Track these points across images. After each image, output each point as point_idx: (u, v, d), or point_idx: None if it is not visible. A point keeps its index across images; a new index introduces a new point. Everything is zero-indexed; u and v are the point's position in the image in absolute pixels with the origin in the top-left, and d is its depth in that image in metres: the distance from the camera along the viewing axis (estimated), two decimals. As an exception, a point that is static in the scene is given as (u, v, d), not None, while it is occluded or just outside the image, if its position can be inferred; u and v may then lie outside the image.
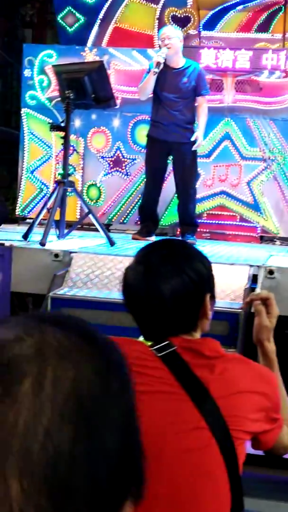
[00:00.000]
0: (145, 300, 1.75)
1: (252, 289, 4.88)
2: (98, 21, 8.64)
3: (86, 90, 5.92)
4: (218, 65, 8.03)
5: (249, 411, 1.70)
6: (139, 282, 1.77)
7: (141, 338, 2.13)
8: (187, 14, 8.51)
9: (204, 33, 8.44)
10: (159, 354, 1.71)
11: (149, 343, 1.77)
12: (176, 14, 8.52)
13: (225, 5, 8.31)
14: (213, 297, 1.84)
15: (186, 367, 1.69)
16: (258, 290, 2.03)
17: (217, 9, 8.36)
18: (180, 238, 6.57)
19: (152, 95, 6.75)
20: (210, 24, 8.44)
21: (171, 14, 8.53)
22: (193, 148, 6.61)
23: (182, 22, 8.49)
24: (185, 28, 8.45)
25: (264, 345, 2.02)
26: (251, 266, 5.14)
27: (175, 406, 1.66)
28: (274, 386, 1.78)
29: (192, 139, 6.58)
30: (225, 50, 8.02)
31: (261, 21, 8.33)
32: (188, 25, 8.50)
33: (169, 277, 1.74)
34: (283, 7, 8.23)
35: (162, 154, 6.80)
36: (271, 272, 4.86)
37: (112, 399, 0.69)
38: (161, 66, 6.46)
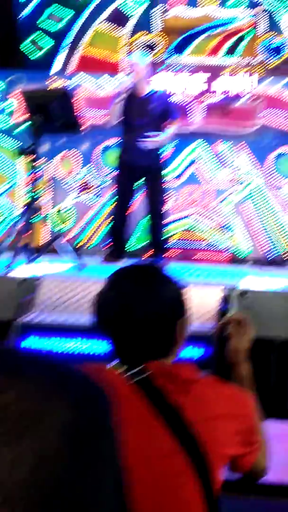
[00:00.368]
0: (118, 325, 1.72)
1: (224, 311, 4.87)
2: (66, 47, 8.65)
3: (54, 115, 5.91)
4: (186, 90, 8.08)
5: (226, 435, 1.67)
6: (111, 307, 1.73)
7: (113, 364, 2.08)
8: (154, 40, 8.56)
9: (172, 58, 8.49)
10: (134, 380, 1.67)
11: (123, 369, 1.73)
12: (144, 40, 8.57)
13: (193, 30, 8.36)
14: (186, 321, 1.80)
15: (160, 392, 1.66)
16: (231, 312, 2.01)
17: (185, 35, 8.41)
18: (151, 260, 6.55)
19: (120, 119, 6.77)
20: (178, 50, 8.50)
21: (139, 40, 8.57)
22: (148, 140, 6.56)
23: (149, 48, 8.53)
24: (153, 54, 8.49)
25: (239, 367, 1.99)
26: (223, 287, 5.13)
27: (150, 432, 1.62)
28: (251, 409, 1.75)
29: (155, 138, 6.53)
30: (194, 75, 8.08)
31: (229, 46, 8.40)
32: (156, 51, 8.54)
33: (142, 302, 1.71)
34: (251, 32, 8.32)
35: (131, 178, 6.80)
36: (243, 293, 4.85)
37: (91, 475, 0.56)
38: (126, 93, 6.48)
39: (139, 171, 6.72)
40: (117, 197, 6.96)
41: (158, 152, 6.75)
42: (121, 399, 1.61)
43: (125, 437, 1.59)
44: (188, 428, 1.62)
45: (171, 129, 6.67)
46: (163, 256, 6.84)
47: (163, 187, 6.87)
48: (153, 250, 6.94)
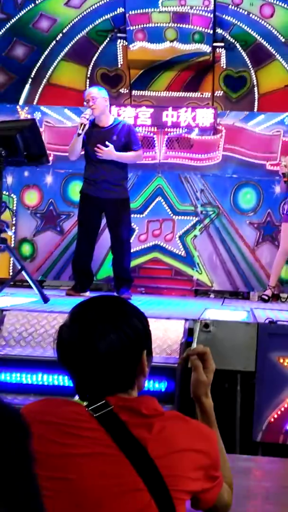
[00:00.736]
0: (80, 358, 1.71)
1: (188, 343, 4.88)
2: (30, 80, 8.70)
3: (18, 148, 5.90)
4: (149, 123, 8.16)
5: (189, 470, 1.66)
6: (74, 339, 1.73)
7: (76, 398, 2.08)
8: (118, 73, 8.65)
9: (135, 91, 8.58)
10: (95, 415, 1.67)
11: (85, 403, 1.73)
12: (107, 73, 8.66)
13: (154, 64, 8.47)
14: (150, 353, 1.81)
15: (123, 427, 1.65)
16: (194, 344, 2.01)
17: (147, 69, 8.52)
18: (115, 293, 6.55)
19: (83, 152, 6.79)
20: (141, 83, 8.59)
21: (102, 73, 8.66)
22: (98, 150, 6.58)
23: (113, 81, 8.62)
24: (116, 87, 8.58)
25: (202, 401, 1.99)
26: (186, 320, 5.14)
27: (112, 468, 1.61)
28: (214, 443, 1.75)
29: (105, 149, 6.56)
30: (156, 108, 8.18)
31: (189, 80, 8.52)
32: (119, 84, 8.63)
33: (105, 334, 1.70)
34: (211, 67, 8.45)
35: (94, 211, 6.81)
36: (206, 325, 4.87)
37: None
38: (87, 127, 6.51)
39: (103, 203, 6.74)
40: (80, 230, 6.96)
41: (121, 184, 6.79)
42: (84, 433, 1.62)
43: (89, 472, 1.60)
44: (151, 463, 1.61)
45: (129, 152, 6.71)
46: (127, 288, 6.84)
47: (127, 219, 6.88)
48: (117, 282, 6.94)
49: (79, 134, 6.52)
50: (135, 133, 6.88)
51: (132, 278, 7.08)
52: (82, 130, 6.49)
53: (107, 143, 6.57)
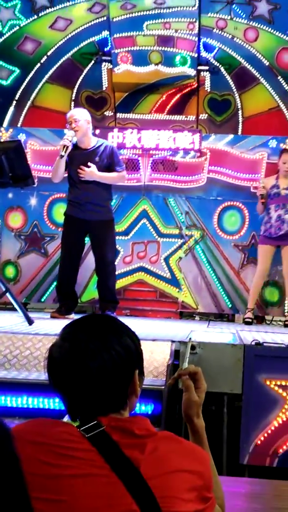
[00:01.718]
0: (72, 377, 1.69)
1: (175, 365, 4.85)
2: (14, 102, 8.70)
3: (3, 169, 5.89)
4: (133, 146, 8.19)
5: (182, 491, 1.64)
6: (65, 359, 1.70)
7: (65, 419, 2.05)
8: (102, 96, 8.68)
9: (120, 114, 8.61)
10: (87, 435, 1.64)
11: (76, 424, 1.70)
12: (92, 95, 8.68)
13: (139, 87, 8.51)
14: (142, 373, 1.79)
15: (115, 447, 1.63)
16: (185, 364, 1.99)
17: (131, 92, 8.55)
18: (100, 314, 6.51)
19: (67, 174, 6.79)
20: (126, 106, 8.63)
21: (87, 95, 8.68)
22: (81, 170, 6.57)
23: (97, 103, 8.65)
24: (101, 110, 8.61)
25: (194, 421, 1.96)
26: (172, 341, 5.12)
27: (105, 489, 1.58)
28: (206, 464, 1.73)
29: (87, 169, 6.55)
30: (141, 131, 8.20)
31: (174, 104, 8.56)
32: (104, 107, 8.66)
33: (96, 354, 1.68)
34: (196, 91, 8.50)
35: (78, 232, 6.80)
36: (192, 347, 4.84)
37: None
38: (69, 149, 6.53)
39: (87, 224, 6.73)
40: (64, 252, 6.93)
41: (105, 206, 6.78)
42: (76, 454, 1.59)
43: (81, 493, 1.56)
44: (144, 484, 1.59)
45: (113, 173, 6.71)
46: (113, 310, 6.81)
47: (111, 240, 6.87)
48: (102, 304, 6.91)
49: (61, 156, 6.53)
50: (118, 155, 6.89)
51: (118, 300, 7.05)
52: (65, 152, 6.51)
53: (89, 164, 6.58)
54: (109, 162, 6.71)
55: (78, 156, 6.67)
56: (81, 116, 6.71)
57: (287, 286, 7.47)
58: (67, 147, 6.51)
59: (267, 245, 7.39)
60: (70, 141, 6.55)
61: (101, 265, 6.84)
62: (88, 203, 6.69)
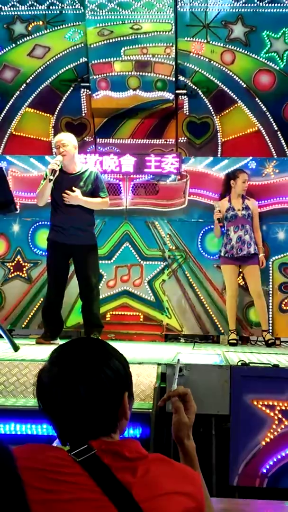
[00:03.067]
0: (62, 402, 1.69)
1: (161, 388, 4.85)
2: (-6, 129, 8.74)
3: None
4: (114, 170, 8.23)
5: (175, 513, 1.64)
6: (55, 383, 1.71)
7: (55, 443, 2.04)
8: (82, 122, 8.73)
9: (100, 139, 8.65)
10: (78, 459, 1.64)
11: (67, 448, 1.70)
12: (71, 122, 8.73)
13: (118, 112, 8.57)
14: (131, 396, 1.79)
15: (107, 471, 1.63)
16: (174, 386, 2.00)
17: (111, 117, 8.61)
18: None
19: (50, 199, 6.81)
20: (105, 131, 8.68)
21: (66, 122, 8.73)
22: (66, 195, 6.58)
23: (77, 129, 8.69)
24: (81, 136, 8.65)
25: (184, 443, 1.97)
26: (159, 364, 5.12)
27: (98, 512, 1.58)
28: (198, 486, 1.73)
29: (73, 194, 6.57)
30: (121, 156, 8.25)
31: (153, 127, 8.63)
32: (84, 133, 8.70)
33: (85, 377, 1.69)
34: (174, 114, 8.57)
35: (62, 257, 6.80)
36: (179, 369, 4.84)
37: None
38: (57, 173, 6.55)
39: (71, 249, 6.74)
40: (50, 277, 6.93)
41: (88, 230, 6.80)
42: (67, 478, 1.59)
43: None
44: (136, 507, 1.59)
45: (97, 199, 6.74)
46: (98, 334, 6.81)
47: (95, 264, 6.88)
48: (87, 328, 6.90)
49: (50, 180, 6.55)
50: (102, 180, 6.93)
51: (102, 324, 7.04)
52: (53, 176, 6.54)
53: (74, 188, 6.61)
54: (93, 188, 6.75)
55: (63, 180, 6.70)
56: (69, 141, 6.76)
57: (256, 305, 7.60)
58: (55, 171, 6.54)
59: (231, 265, 7.52)
60: (58, 165, 6.58)
61: (85, 290, 6.84)
62: (71, 227, 6.70)
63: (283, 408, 4.86)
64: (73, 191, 6.64)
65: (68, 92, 8.72)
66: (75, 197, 6.61)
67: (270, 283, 7.99)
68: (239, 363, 5.08)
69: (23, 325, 8.20)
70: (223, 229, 7.70)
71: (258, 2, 8.37)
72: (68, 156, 6.68)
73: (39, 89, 8.72)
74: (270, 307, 7.94)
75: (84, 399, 1.68)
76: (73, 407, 1.68)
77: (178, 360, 2.27)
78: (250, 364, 5.09)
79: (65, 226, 6.72)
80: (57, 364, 1.73)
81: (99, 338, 6.70)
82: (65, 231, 6.72)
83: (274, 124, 8.43)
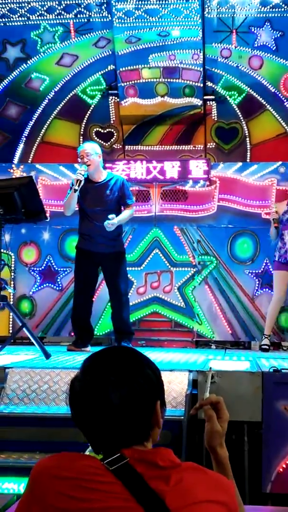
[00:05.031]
0: (94, 411, 1.69)
1: (193, 395, 4.84)
2: (24, 138, 8.80)
3: (16, 205, 5.93)
4: (143, 177, 8.24)
5: (208, 522, 1.63)
6: (87, 392, 1.71)
7: (87, 452, 2.04)
8: (110, 130, 8.76)
9: (128, 146, 8.68)
10: (111, 468, 1.64)
11: (100, 457, 1.70)
12: (100, 130, 8.77)
13: (146, 119, 8.58)
14: (163, 404, 1.79)
15: (140, 479, 1.62)
16: (207, 394, 1.99)
17: (139, 124, 8.62)
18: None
19: (77, 208, 6.84)
20: (133, 138, 8.70)
21: (95, 130, 8.76)
22: (105, 224, 6.61)
23: (106, 137, 8.73)
24: (109, 143, 8.69)
25: (217, 451, 1.95)
26: (190, 371, 5.10)
27: (131, 521, 1.58)
28: (232, 494, 1.72)
29: (112, 221, 6.58)
30: (150, 163, 8.26)
31: (181, 134, 8.63)
32: (112, 140, 8.74)
33: (118, 386, 1.69)
34: (203, 120, 8.56)
35: (91, 265, 6.82)
36: (211, 376, 4.82)
37: None
38: (82, 183, 6.57)
39: (99, 257, 6.75)
40: (77, 285, 6.95)
41: (116, 237, 6.81)
42: (100, 487, 1.59)
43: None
44: (170, 516, 1.58)
45: (126, 212, 6.76)
46: (128, 341, 6.81)
47: (124, 272, 6.89)
48: (118, 335, 6.91)
49: (75, 190, 6.57)
50: (128, 188, 6.95)
51: (133, 331, 7.05)
52: (78, 186, 6.55)
53: (109, 217, 6.59)
54: (120, 195, 6.76)
55: (89, 189, 6.72)
56: (93, 150, 6.78)
57: None
58: (80, 181, 6.56)
59: (283, 270, 7.33)
60: (83, 175, 6.60)
61: (115, 297, 6.85)
62: (98, 236, 6.72)
63: (316, 414, 4.82)
64: (100, 199, 6.67)
65: (96, 99, 8.76)
66: (113, 223, 6.63)
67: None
68: (271, 369, 5.04)
69: (54, 333, 8.23)
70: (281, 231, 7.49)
71: (285, 7, 8.33)
72: (92, 166, 6.70)
73: (67, 97, 8.77)
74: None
75: (116, 408, 1.67)
76: (105, 416, 1.68)
77: (210, 367, 2.25)
78: (282, 370, 5.05)
79: (93, 235, 6.75)
80: (89, 373, 1.74)
81: (130, 345, 6.71)
82: (93, 239, 6.75)
83: (303, 128, 8.40)
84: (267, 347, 7.39)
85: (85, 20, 8.67)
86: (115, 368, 1.72)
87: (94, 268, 6.87)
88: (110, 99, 8.74)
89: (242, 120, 8.54)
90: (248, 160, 8.48)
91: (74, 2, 8.60)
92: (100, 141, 8.57)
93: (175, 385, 4.94)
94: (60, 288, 8.27)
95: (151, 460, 1.66)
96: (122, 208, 6.79)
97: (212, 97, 8.59)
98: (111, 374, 1.71)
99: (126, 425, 1.69)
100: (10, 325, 8.03)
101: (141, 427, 1.72)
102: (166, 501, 1.60)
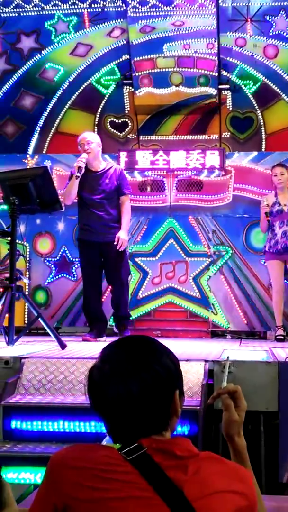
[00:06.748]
0: (113, 399, 1.69)
1: (209, 385, 4.83)
2: (38, 129, 8.80)
3: (31, 195, 5.95)
4: (158, 167, 8.21)
5: (227, 512, 1.62)
6: (106, 381, 1.70)
7: (104, 442, 2.04)
8: (125, 120, 8.73)
9: (143, 136, 8.65)
10: (129, 458, 1.63)
11: (118, 446, 1.70)
12: (114, 120, 8.75)
13: (161, 109, 8.55)
14: (182, 394, 1.78)
15: (158, 469, 1.62)
16: (224, 383, 1.98)
17: (154, 113, 8.60)
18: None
19: (76, 199, 6.87)
20: (148, 128, 8.67)
21: (109, 120, 8.74)
22: (118, 248, 6.66)
23: (121, 127, 8.71)
24: (124, 133, 8.67)
25: (235, 441, 1.94)
26: (206, 361, 5.09)
27: (149, 511, 1.57)
28: (250, 484, 1.71)
29: (115, 242, 6.64)
30: (165, 152, 8.23)
31: (196, 123, 8.59)
32: (127, 130, 8.71)
33: (137, 374, 1.68)
34: (217, 109, 8.52)
35: (94, 255, 6.86)
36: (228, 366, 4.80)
37: None
38: (83, 170, 6.63)
39: (100, 245, 6.78)
40: (85, 276, 6.99)
41: (116, 226, 6.82)
42: (118, 477, 1.58)
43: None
44: (188, 505, 1.58)
45: (125, 212, 6.82)
46: (127, 326, 6.92)
47: (125, 260, 6.93)
48: (117, 321, 6.98)
49: (77, 177, 6.63)
50: (126, 178, 7.04)
51: (130, 315, 7.20)
52: (80, 173, 6.62)
53: (117, 236, 6.68)
54: (118, 185, 6.83)
55: (88, 178, 6.78)
56: (93, 139, 6.86)
57: None
58: (82, 168, 6.62)
59: (276, 260, 7.39)
60: (84, 163, 6.66)
61: (116, 284, 6.94)
62: (98, 225, 6.78)
63: None
64: (98, 188, 6.76)
65: (111, 89, 8.73)
66: (124, 236, 6.73)
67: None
68: (287, 359, 5.02)
69: (69, 323, 8.24)
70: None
71: (301, -6, 8.27)
72: (92, 154, 6.77)
73: (82, 88, 8.75)
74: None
75: (135, 397, 1.67)
76: (124, 405, 1.68)
77: (228, 357, 2.23)
78: (298, 360, 5.03)
79: (92, 224, 6.80)
80: (108, 361, 1.73)
81: (128, 331, 6.80)
82: (93, 229, 6.81)
83: None
84: (282, 337, 7.38)
85: (99, 9, 8.64)
86: (134, 357, 1.72)
87: (98, 258, 6.90)
88: (124, 89, 8.71)
89: (257, 109, 8.49)
90: (263, 150, 8.44)
91: (88, -9, 8.58)
92: (114, 131, 8.55)
93: (191, 375, 4.93)
94: (75, 278, 8.27)
95: (169, 450, 1.66)
96: (120, 198, 6.86)
97: (227, 86, 8.55)
98: (129, 363, 1.70)
99: (145, 414, 1.68)
100: (25, 316, 8.05)
101: (159, 416, 1.71)
102: (184, 490, 1.59)
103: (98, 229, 6.79)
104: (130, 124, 8.74)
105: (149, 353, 1.74)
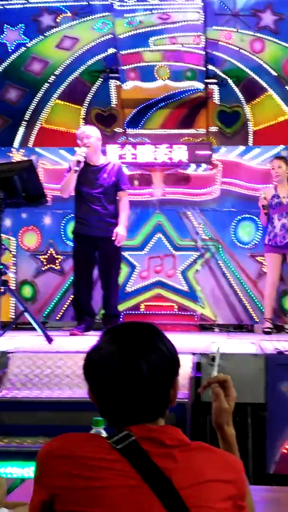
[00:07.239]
0: (121, 380, 1.66)
1: (197, 377, 4.83)
2: (24, 122, 8.74)
3: (16, 189, 5.91)
4: (144, 161, 8.19)
5: (216, 501, 1.61)
6: (112, 361, 1.67)
7: (93, 431, 2.03)
8: (112, 113, 8.71)
9: (129, 130, 8.62)
10: (118, 446, 1.62)
11: (106, 435, 1.69)
12: (101, 113, 8.71)
13: (148, 103, 8.53)
14: (178, 380, 1.78)
15: (146, 457, 1.60)
16: (214, 373, 1.98)
17: (140, 107, 8.57)
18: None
19: (73, 193, 6.84)
20: (135, 122, 8.64)
21: (96, 113, 8.71)
22: (116, 244, 6.66)
23: (107, 120, 8.68)
24: (111, 127, 8.64)
25: (224, 429, 1.95)
26: (194, 354, 5.10)
27: (136, 500, 1.56)
28: (240, 473, 1.70)
29: (113, 238, 6.63)
30: (151, 146, 8.21)
31: (183, 117, 8.58)
32: (114, 124, 8.68)
33: (147, 354, 1.67)
34: (204, 104, 8.51)
35: (88, 249, 6.85)
36: (214, 358, 4.81)
37: None
38: (81, 164, 6.62)
39: (95, 240, 6.78)
40: (77, 269, 6.98)
41: (112, 222, 6.80)
42: (106, 465, 1.57)
43: (113, 504, 1.55)
44: (176, 494, 1.57)
45: (124, 208, 6.81)
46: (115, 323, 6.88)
47: (118, 257, 6.94)
48: (106, 318, 6.95)
49: (76, 171, 6.60)
50: (125, 173, 7.03)
51: (119, 313, 7.20)
52: (78, 166, 6.59)
53: (114, 231, 6.67)
54: (116, 180, 6.81)
55: (86, 172, 6.76)
56: (93, 133, 6.83)
57: None
58: (80, 162, 6.60)
59: (274, 253, 7.41)
60: (83, 157, 6.64)
61: (105, 281, 6.93)
62: (95, 219, 6.77)
63: None
64: (96, 183, 6.73)
65: (97, 83, 8.70)
66: (122, 232, 6.73)
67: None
68: (275, 352, 5.04)
69: (57, 318, 8.22)
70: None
71: (287, -11, 8.27)
72: (91, 148, 6.75)
73: (68, 81, 8.71)
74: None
75: (145, 378, 1.66)
76: (132, 385, 1.66)
77: (219, 348, 2.24)
78: (285, 353, 5.05)
79: (89, 218, 6.79)
80: (115, 342, 1.71)
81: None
82: (90, 223, 6.79)
83: (305, 111, 8.35)
84: (269, 330, 7.40)
85: (86, 2, 8.60)
86: (142, 337, 1.72)
87: (92, 252, 6.89)
88: (111, 83, 8.68)
89: (244, 104, 8.48)
90: (250, 144, 8.43)
91: (74, -16, 8.53)
92: (101, 124, 8.52)
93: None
94: (62, 272, 8.24)
95: (158, 439, 1.65)
96: (117, 193, 6.85)
97: (214, 80, 8.53)
98: (138, 343, 1.69)
99: (151, 395, 1.67)
100: (12, 310, 8.01)
101: (162, 400, 1.71)
102: (172, 479, 1.58)
103: (94, 224, 6.78)
104: (116, 117, 8.70)
105: (154, 334, 1.74)
